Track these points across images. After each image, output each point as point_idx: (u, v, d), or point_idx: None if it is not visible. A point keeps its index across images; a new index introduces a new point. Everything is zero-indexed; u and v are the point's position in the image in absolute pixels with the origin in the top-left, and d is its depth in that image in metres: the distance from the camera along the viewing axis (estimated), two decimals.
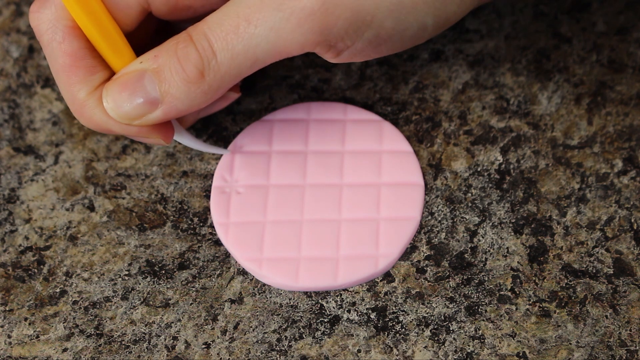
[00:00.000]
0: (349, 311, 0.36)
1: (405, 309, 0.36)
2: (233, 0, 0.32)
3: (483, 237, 0.37)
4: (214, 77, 0.33)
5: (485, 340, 0.35)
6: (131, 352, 0.35)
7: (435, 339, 0.35)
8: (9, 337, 0.36)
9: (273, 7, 0.31)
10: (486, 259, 0.37)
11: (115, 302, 0.36)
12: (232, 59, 0.32)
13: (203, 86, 0.32)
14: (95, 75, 0.34)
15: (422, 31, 0.34)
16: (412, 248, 0.37)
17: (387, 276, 0.36)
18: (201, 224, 0.38)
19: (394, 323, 0.35)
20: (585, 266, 0.36)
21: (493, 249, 0.37)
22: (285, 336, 0.35)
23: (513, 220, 0.37)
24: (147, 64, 0.33)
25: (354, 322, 0.36)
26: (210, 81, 0.33)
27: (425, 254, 0.37)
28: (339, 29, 0.32)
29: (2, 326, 0.36)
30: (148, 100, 0.33)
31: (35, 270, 0.37)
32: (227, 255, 0.37)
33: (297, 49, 0.32)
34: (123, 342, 0.36)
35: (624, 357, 0.34)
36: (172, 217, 0.38)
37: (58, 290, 0.37)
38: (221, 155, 0.39)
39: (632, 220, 0.37)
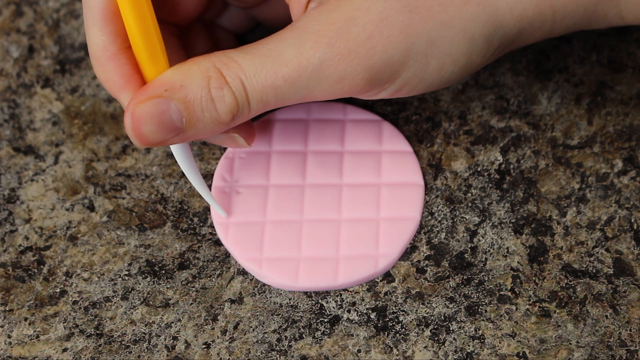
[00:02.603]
0: (349, 311, 0.36)
1: (405, 309, 0.36)
2: (268, 44, 0.32)
3: (483, 237, 0.37)
4: (243, 119, 0.33)
5: (485, 340, 0.35)
6: (131, 352, 0.35)
7: (435, 339, 0.35)
8: (9, 337, 0.36)
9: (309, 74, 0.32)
10: (486, 259, 0.37)
11: (115, 302, 0.36)
12: (264, 107, 0.33)
13: (231, 124, 0.33)
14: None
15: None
16: (412, 248, 0.37)
17: (387, 276, 0.36)
18: (201, 224, 0.38)
19: (394, 323, 0.35)
20: (585, 266, 0.36)
21: (493, 249, 0.37)
22: (285, 336, 0.35)
23: (513, 220, 0.37)
24: (173, 94, 0.32)
25: (354, 322, 0.36)
26: (238, 121, 0.33)
27: (425, 254, 0.37)
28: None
29: (2, 326, 0.36)
30: (172, 129, 0.32)
31: (35, 270, 0.37)
32: (227, 255, 0.37)
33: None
34: (123, 342, 0.36)
35: (624, 357, 0.34)
36: (172, 217, 0.38)
37: (58, 290, 0.37)
38: (221, 155, 0.39)
39: (632, 220, 0.37)
